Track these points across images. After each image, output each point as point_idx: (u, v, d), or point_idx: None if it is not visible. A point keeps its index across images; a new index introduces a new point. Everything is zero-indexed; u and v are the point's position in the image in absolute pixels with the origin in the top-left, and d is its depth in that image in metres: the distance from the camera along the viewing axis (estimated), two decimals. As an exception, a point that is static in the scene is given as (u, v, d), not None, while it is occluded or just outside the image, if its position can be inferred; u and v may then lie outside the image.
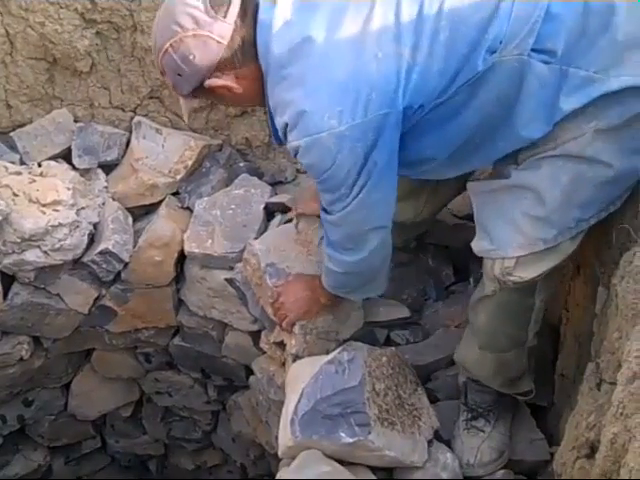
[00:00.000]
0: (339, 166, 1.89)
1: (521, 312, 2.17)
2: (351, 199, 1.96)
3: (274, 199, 2.87)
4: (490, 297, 2.16)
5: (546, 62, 1.82)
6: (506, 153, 2.00)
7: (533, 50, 1.80)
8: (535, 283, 2.09)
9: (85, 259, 2.87)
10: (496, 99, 1.87)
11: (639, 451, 1.28)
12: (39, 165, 2.90)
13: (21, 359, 3.13)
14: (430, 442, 2.34)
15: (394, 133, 1.89)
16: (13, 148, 2.95)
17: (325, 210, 2.08)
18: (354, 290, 2.33)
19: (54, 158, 2.95)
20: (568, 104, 1.85)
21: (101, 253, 2.85)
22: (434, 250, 2.88)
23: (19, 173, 2.83)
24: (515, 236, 2.02)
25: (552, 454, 2.22)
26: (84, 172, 2.96)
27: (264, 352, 2.90)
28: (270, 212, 2.86)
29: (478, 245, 2.13)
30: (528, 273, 2.03)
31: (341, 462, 2.24)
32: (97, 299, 3.03)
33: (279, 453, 2.38)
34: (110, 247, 2.83)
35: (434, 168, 2.09)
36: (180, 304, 3.10)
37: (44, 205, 2.77)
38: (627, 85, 1.80)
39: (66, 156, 2.97)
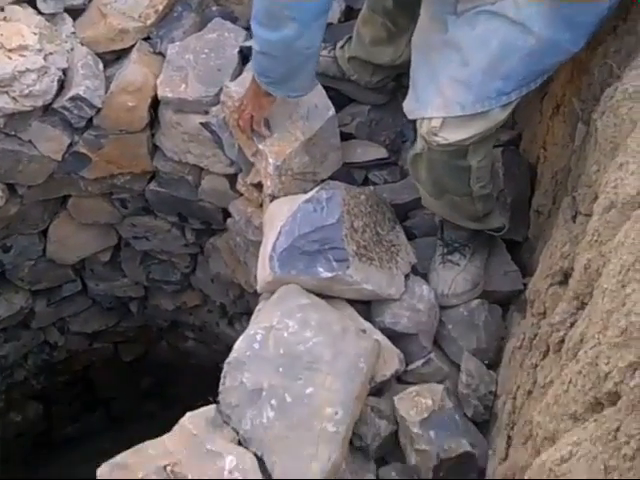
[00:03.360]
0: None
1: (456, 172, 2.16)
2: None
3: (248, 43, 2.78)
4: (421, 155, 2.17)
5: None
6: None
7: None
8: (465, 147, 2.07)
9: (56, 105, 2.83)
10: None
11: (612, 273, 1.32)
12: (2, 9, 2.80)
13: (-4, 206, 3.14)
14: (407, 276, 2.41)
15: None
16: (-26, -8, 2.84)
17: None
18: (275, 82, 2.30)
19: (18, 2, 2.84)
20: None
21: (72, 99, 2.80)
22: (411, 91, 2.86)
23: (-18, 18, 2.74)
24: (435, 97, 2.02)
25: (525, 284, 2.30)
26: (50, 17, 2.86)
27: (241, 194, 2.93)
28: (245, 56, 2.80)
29: (407, 104, 2.13)
30: (454, 136, 2.03)
31: (320, 296, 2.30)
32: (70, 145, 3.01)
33: (258, 289, 2.42)
34: (81, 93, 2.79)
35: None
36: (155, 150, 3.09)
37: (10, 50, 2.70)
38: None
39: (30, 0, 2.86)
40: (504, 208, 2.47)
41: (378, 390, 2.29)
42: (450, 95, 1.99)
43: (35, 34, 2.75)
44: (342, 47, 2.72)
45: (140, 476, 1.93)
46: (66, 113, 2.86)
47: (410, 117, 2.14)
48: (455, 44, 1.98)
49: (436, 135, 2.04)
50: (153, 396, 4.77)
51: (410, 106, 2.13)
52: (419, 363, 2.36)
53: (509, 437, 1.99)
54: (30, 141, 2.96)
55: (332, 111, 2.58)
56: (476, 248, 2.45)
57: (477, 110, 1.98)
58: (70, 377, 4.64)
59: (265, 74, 2.28)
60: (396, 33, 2.47)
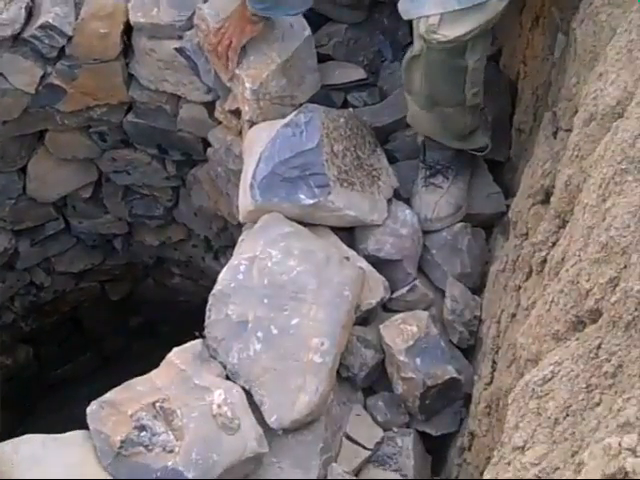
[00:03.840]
0: None
1: (453, 73, 2.12)
2: None
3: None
4: (419, 57, 2.12)
5: None
6: None
7: None
8: (463, 44, 2.03)
9: (25, 35, 2.74)
10: None
11: (593, 188, 1.30)
12: None
13: (-30, 143, 3.09)
14: (389, 201, 2.38)
15: None
16: None
17: None
18: (271, 6, 2.28)
19: None
20: None
21: (41, 27, 2.71)
22: (389, 9, 2.77)
23: (-57, -58, 2.63)
24: None
25: (508, 206, 2.29)
26: (13, -60, 2.76)
27: (220, 122, 2.87)
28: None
29: (402, 4, 2.08)
30: (453, 31, 1.98)
31: (302, 224, 2.28)
32: (43, 77, 2.92)
33: (240, 219, 2.41)
34: (50, 20, 2.69)
35: None
36: (131, 79, 3.00)
37: (-26, -23, 2.62)
38: None
39: None
40: (486, 127, 2.43)
41: (364, 319, 2.29)
42: None
43: (-1, -41, 2.64)
44: None
45: (129, 413, 1.95)
46: (36, 42, 2.77)
47: (406, 17, 2.08)
48: None
49: (435, 33, 2.00)
50: (143, 335, 4.76)
51: (405, 6, 2.07)
52: (404, 290, 2.35)
53: (494, 362, 1.99)
54: (2, 74, 2.88)
55: (308, 31, 2.52)
56: (458, 170, 2.42)
57: (475, 2, 1.94)
58: (59, 318, 4.62)
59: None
60: None
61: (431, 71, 2.13)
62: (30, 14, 2.74)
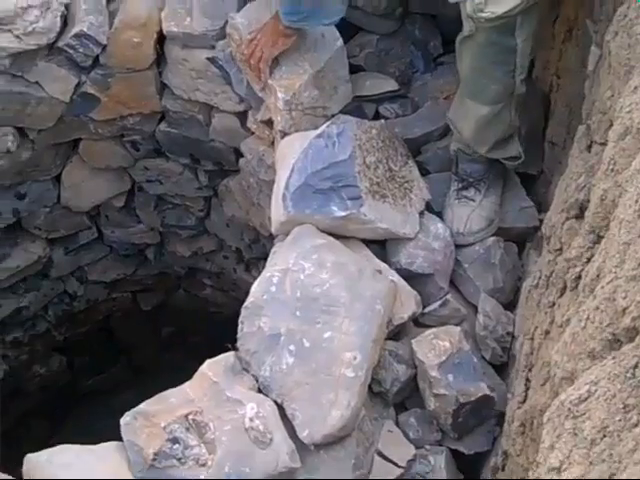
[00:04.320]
0: None
1: (503, 53, 2.12)
2: None
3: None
4: (469, 38, 2.12)
5: None
6: None
7: None
8: (512, 20, 2.03)
9: (60, 43, 2.77)
10: None
11: (629, 203, 1.27)
12: (1, -57, 2.74)
13: (8, 151, 3.11)
14: (421, 213, 2.37)
15: None
16: None
17: None
18: (308, 16, 2.29)
19: None
20: None
21: (76, 36, 2.74)
22: (421, 20, 2.78)
23: (-20, -47, 2.67)
24: None
25: (541, 220, 2.25)
26: (49, -50, 2.79)
27: (252, 133, 2.88)
28: (250, -15, 2.73)
29: None
30: (500, 7, 1.97)
31: (334, 236, 2.27)
32: (78, 86, 2.95)
33: (272, 230, 2.41)
34: (85, 29, 2.72)
35: None
36: (164, 88, 3.03)
37: (11, -14, 2.64)
38: None
39: None
40: (519, 138, 2.39)
41: (395, 334, 2.28)
42: None
43: (35, -32, 2.67)
44: None
45: (162, 425, 1.96)
46: (71, 51, 2.80)
47: (452, 1, 2.08)
48: None
49: (482, 11, 1.99)
50: (174, 345, 4.78)
51: None
52: (436, 305, 2.34)
53: (527, 379, 1.96)
54: (37, 82, 2.91)
55: (340, 42, 2.52)
56: (491, 183, 2.41)
57: None
58: (91, 328, 4.65)
59: (297, 10, 2.27)
60: None
61: (480, 52, 2.14)
62: (65, 23, 2.77)
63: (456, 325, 2.29)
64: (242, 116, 2.90)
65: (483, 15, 2.00)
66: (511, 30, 2.06)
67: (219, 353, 2.11)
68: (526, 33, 2.09)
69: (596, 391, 1.17)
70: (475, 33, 2.08)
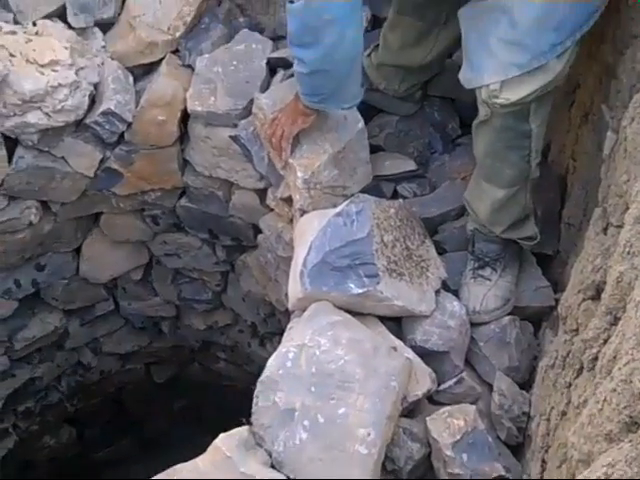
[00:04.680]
0: None
1: (518, 138, 2.16)
2: None
3: (276, 54, 2.82)
4: (485, 123, 2.17)
5: None
6: None
7: None
8: (526, 106, 2.07)
9: (87, 120, 2.85)
10: None
11: None
12: (34, 24, 2.83)
13: (30, 224, 3.16)
14: (437, 292, 2.38)
15: None
16: (5, 7, 2.85)
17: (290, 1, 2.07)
18: (327, 98, 2.33)
19: (49, 17, 2.86)
20: None
21: (103, 114, 2.81)
22: (440, 103, 2.84)
23: (14, 33, 2.76)
24: (490, 62, 2.02)
25: (557, 300, 2.26)
26: (80, 31, 2.88)
27: (271, 209, 2.92)
28: (272, 67, 2.81)
29: (462, 74, 2.14)
30: (515, 94, 2.03)
31: (351, 313, 2.28)
32: (102, 161, 3.01)
33: (289, 306, 2.42)
34: (112, 107, 2.80)
35: None
36: (185, 164, 3.09)
37: (42, 65, 2.73)
38: None
39: (61, 15, 2.88)
40: (535, 218, 2.42)
41: (410, 411, 2.26)
42: (504, 57, 2.00)
43: (66, 49, 2.76)
44: (369, 55, 2.71)
45: None
46: (98, 128, 2.87)
47: (468, 87, 2.14)
48: (501, 7, 1.98)
49: (497, 97, 2.04)
50: (186, 419, 4.75)
51: (466, 75, 2.13)
52: (451, 382, 2.32)
53: (544, 461, 1.94)
54: (63, 157, 2.97)
55: (361, 124, 2.57)
56: (507, 262, 2.43)
57: (534, 66, 1.98)
58: (103, 399, 4.64)
59: (316, 93, 2.31)
60: (425, 30, 2.49)
61: (496, 137, 2.17)
62: (93, 101, 2.85)
63: (471, 404, 2.27)
64: (262, 193, 2.95)
65: (498, 101, 2.05)
66: (526, 116, 2.10)
67: (232, 427, 2.10)
68: (540, 119, 2.13)
69: (613, 474, 1.16)
70: (490, 118, 2.13)
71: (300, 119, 2.47)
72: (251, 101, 2.71)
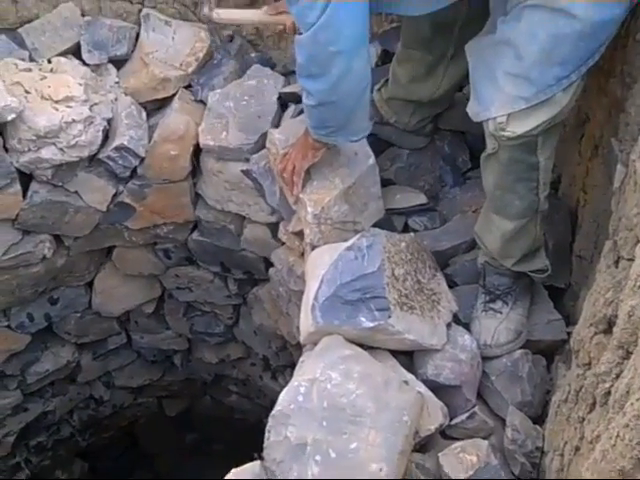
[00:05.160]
0: None
1: (526, 171, 2.16)
2: (319, 12, 1.97)
3: (287, 89, 2.85)
4: (493, 155, 2.17)
5: None
6: None
7: None
8: (534, 139, 2.08)
9: (101, 155, 2.88)
10: None
11: None
12: (49, 61, 2.88)
13: (44, 258, 3.18)
14: (449, 325, 2.37)
15: None
16: (22, 45, 2.90)
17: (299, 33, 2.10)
18: (335, 131, 2.33)
19: (64, 54, 2.92)
20: None
21: (116, 149, 2.85)
22: (450, 136, 2.85)
23: (29, 70, 2.81)
24: (497, 95, 2.03)
25: (569, 333, 2.25)
26: (95, 68, 2.93)
27: (283, 243, 2.93)
28: (284, 102, 2.84)
29: (470, 107, 2.15)
30: (522, 127, 2.03)
31: (362, 347, 2.28)
32: (115, 196, 3.04)
33: (301, 340, 2.42)
34: (125, 142, 2.83)
35: None
36: (197, 198, 3.11)
37: (57, 102, 2.77)
38: None
39: (75, 52, 2.94)
40: (546, 251, 2.42)
41: (422, 445, 2.25)
42: (511, 91, 2.01)
43: (81, 85, 2.81)
44: (379, 90, 2.73)
45: None
46: (111, 163, 2.90)
47: (475, 120, 2.15)
48: (506, 41, 2.00)
49: (504, 130, 2.05)
50: (198, 452, 4.73)
51: (474, 109, 2.15)
52: (463, 417, 2.30)
53: (558, 497, 1.91)
54: (76, 192, 3.00)
55: (372, 159, 2.58)
56: (518, 295, 2.42)
57: (540, 99, 1.99)
58: (115, 433, 4.64)
59: (324, 125, 2.32)
60: (433, 63, 2.52)
61: (504, 170, 2.18)
62: (106, 136, 2.88)
63: (484, 438, 2.25)
64: (273, 227, 2.96)
65: (505, 134, 2.06)
66: (533, 148, 2.11)
67: (243, 461, 2.09)
68: (548, 151, 2.14)
69: (626, 511, 1.16)
70: (498, 151, 2.14)
71: (310, 153, 2.49)
72: (263, 135, 2.74)
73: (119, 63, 2.98)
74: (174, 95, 2.93)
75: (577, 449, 1.80)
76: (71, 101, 2.77)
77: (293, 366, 2.38)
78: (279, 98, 2.82)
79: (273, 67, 2.97)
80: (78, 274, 3.46)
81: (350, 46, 2.05)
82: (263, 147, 2.77)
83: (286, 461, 2.03)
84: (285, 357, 3.63)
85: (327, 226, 2.52)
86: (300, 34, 2.08)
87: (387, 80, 2.71)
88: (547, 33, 1.91)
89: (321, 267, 2.37)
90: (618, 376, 1.55)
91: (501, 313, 2.38)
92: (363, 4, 2.00)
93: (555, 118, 2.04)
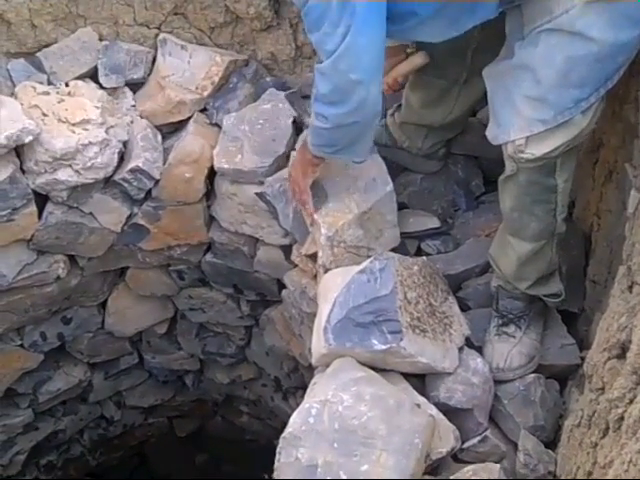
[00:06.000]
0: None
1: (544, 192, 2.18)
2: (339, 40, 1.99)
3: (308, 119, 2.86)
4: (511, 177, 2.19)
5: None
6: (497, 13, 2.02)
7: None
8: (552, 161, 2.09)
9: (116, 177, 2.90)
10: None
11: None
12: (67, 85, 2.92)
13: (58, 278, 3.20)
14: (461, 349, 2.37)
15: None
16: (40, 68, 2.94)
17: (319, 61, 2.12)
18: (341, 149, 2.35)
19: (81, 78, 2.96)
20: None
21: (132, 171, 2.87)
22: (464, 161, 2.87)
23: (47, 93, 2.84)
24: (515, 118, 2.05)
25: (582, 358, 2.24)
26: (111, 91, 2.97)
27: (296, 265, 2.94)
28: (298, 126, 2.86)
29: (489, 131, 2.18)
30: (540, 149, 2.05)
31: (374, 369, 2.28)
32: (129, 217, 3.06)
33: (313, 362, 2.42)
34: (140, 165, 2.85)
35: (421, 26, 2.09)
36: (211, 220, 3.12)
37: (73, 124, 2.80)
38: None
39: (93, 75, 2.98)
40: (560, 275, 2.43)
41: (434, 469, 2.24)
42: (529, 114, 2.03)
43: (97, 108, 2.84)
44: (392, 115, 2.76)
45: None
46: (126, 185, 2.92)
47: (495, 143, 2.17)
48: (524, 65, 2.02)
49: (523, 152, 2.07)
50: (207, 473, 4.73)
51: (492, 132, 2.17)
52: (475, 440, 2.30)
53: (571, 523, 1.90)
54: (91, 213, 3.02)
55: (390, 186, 2.60)
56: (531, 320, 2.42)
57: (559, 122, 2.01)
58: (125, 453, 4.64)
59: (332, 144, 2.34)
60: (446, 88, 2.55)
61: (522, 192, 2.19)
62: (122, 158, 2.91)
63: (496, 462, 2.24)
64: (287, 249, 2.97)
65: (523, 156, 2.08)
66: (552, 171, 2.13)
67: (254, 481, 2.11)
68: (567, 174, 2.16)
69: (638, 537, 1.16)
70: (517, 173, 2.16)
71: (310, 169, 2.51)
72: (277, 159, 2.77)
73: (135, 86, 3.01)
74: (189, 118, 2.95)
75: (590, 474, 1.79)
76: (88, 124, 2.80)
77: (304, 388, 2.38)
78: (293, 122, 2.84)
79: (288, 91, 2.99)
80: (91, 294, 3.48)
81: (369, 73, 2.08)
82: (277, 170, 2.78)
83: (296, 483, 2.03)
84: (297, 379, 3.63)
85: (340, 249, 2.54)
86: (320, 62, 2.10)
87: (399, 105, 2.74)
88: (563, 55, 1.93)
89: (334, 289, 2.38)
90: (632, 401, 1.54)
91: (514, 337, 2.38)
92: (381, 31, 2.02)
93: (574, 140, 2.05)
